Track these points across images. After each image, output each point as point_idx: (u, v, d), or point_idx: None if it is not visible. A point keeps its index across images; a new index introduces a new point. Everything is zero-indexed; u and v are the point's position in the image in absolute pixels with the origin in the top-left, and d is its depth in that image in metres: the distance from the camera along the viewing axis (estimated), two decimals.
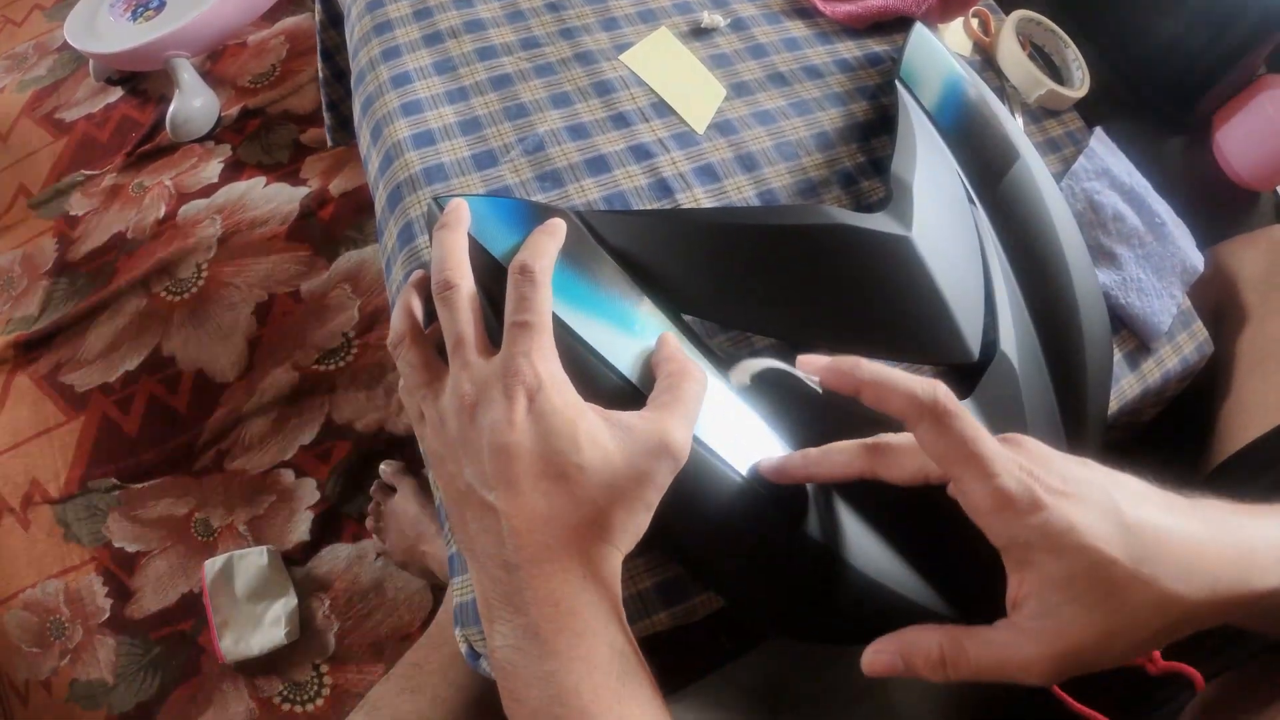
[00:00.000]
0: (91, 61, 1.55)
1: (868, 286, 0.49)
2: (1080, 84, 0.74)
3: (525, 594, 0.32)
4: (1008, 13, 0.79)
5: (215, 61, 1.54)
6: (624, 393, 0.39)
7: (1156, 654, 0.34)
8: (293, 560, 1.06)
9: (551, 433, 0.33)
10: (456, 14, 0.67)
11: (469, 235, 0.40)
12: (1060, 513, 0.30)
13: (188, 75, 1.40)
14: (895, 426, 0.36)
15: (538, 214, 0.43)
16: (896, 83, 0.63)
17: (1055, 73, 0.77)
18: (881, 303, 0.49)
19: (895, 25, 0.73)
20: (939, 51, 0.67)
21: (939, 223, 0.52)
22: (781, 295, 0.47)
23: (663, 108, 0.61)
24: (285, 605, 1.02)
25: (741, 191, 0.58)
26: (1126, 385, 0.59)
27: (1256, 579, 0.31)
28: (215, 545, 1.08)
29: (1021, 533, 0.30)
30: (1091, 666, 0.30)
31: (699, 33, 0.67)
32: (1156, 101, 0.96)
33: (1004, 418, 0.47)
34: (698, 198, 0.57)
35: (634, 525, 0.35)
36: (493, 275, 0.39)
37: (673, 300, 0.45)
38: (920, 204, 0.52)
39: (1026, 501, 0.30)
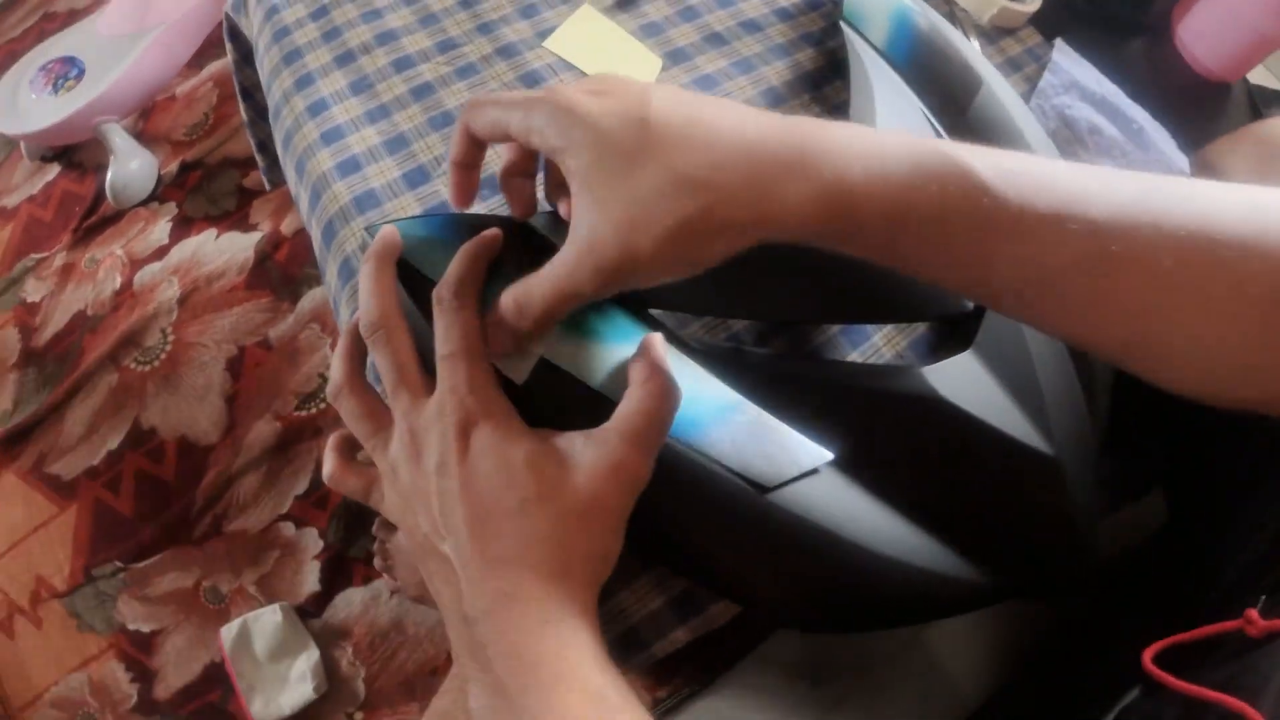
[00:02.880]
0: (23, 143, 1.51)
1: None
2: None
3: (488, 649, 0.29)
4: None
5: (147, 119, 1.50)
6: (591, 404, 0.36)
7: (1253, 613, 0.31)
8: (307, 613, 1.04)
9: (493, 470, 0.30)
10: (366, 28, 0.63)
11: (404, 262, 0.37)
12: (578, 106, 0.29)
13: (120, 139, 1.36)
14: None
15: (476, 226, 0.40)
16: (841, 24, 0.59)
17: None
18: (863, 265, 0.45)
19: None
20: None
21: None
22: (753, 271, 0.42)
23: None
24: (308, 659, 0.99)
25: None
26: None
27: (827, 173, 0.28)
28: (228, 610, 1.06)
29: (550, 134, 0.29)
30: (635, 271, 0.29)
31: (625, 3, 0.63)
32: (1111, 4, 0.92)
33: (1010, 363, 0.43)
34: None
35: (599, 553, 0.32)
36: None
37: (640, 296, 0.41)
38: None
39: (548, 96, 0.29)
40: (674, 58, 0.60)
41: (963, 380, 0.42)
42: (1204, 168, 0.68)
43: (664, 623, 0.43)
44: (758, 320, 0.46)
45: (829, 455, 0.38)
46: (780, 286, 0.43)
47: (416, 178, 0.54)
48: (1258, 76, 1.00)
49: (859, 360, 0.50)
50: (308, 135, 0.58)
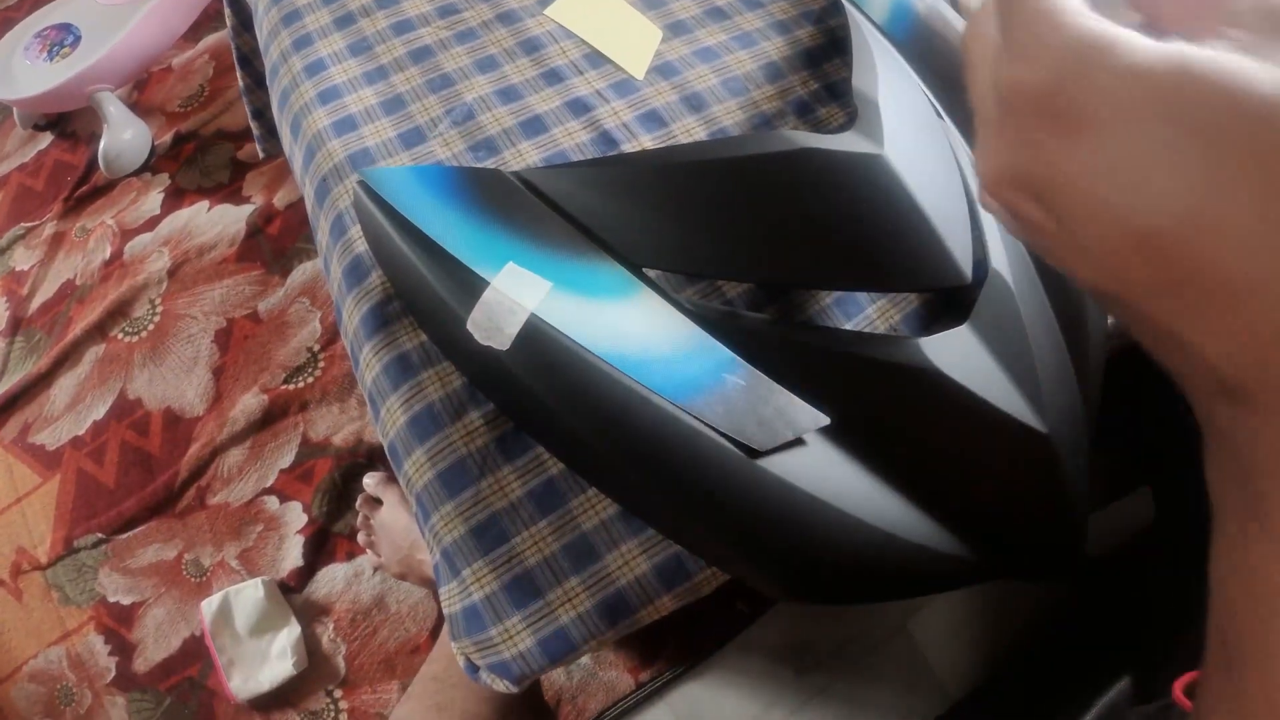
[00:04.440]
0: (15, 110, 1.49)
1: (844, 213, 0.44)
2: None
3: None
4: None
5: (142, 90, 1.48)
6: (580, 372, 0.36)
7: None
8: (289, 588, 1.03)
9: None
10: None
11: (394, 210, 0.37)
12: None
13: (114, 108, 1.35)
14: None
15: (472, 180, 0.39)
16: (844, 2, 0.59)
17: None
18: (860, 229, 0.43)
19: None
20: None
21: (911, 138, 0.47)
22: (750, 234, 0.42)
23: (596, 58, 0.57)
24: (289, 635, 0.99)
25: (691, 133, 0.54)
26: None
27: None
28: (209, 584, 1.05)
29: None
30: None
31: None
32: None
33: (1005, 338, 0.43)
34: (644, 146, 0.53)
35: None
36: (428, 250, 0.35)
37: (633, 255, 0.41)
38: (888, 120, 0.47)
39: None
40: (674, 29, 0.60)
41: (959, 353, 0.41)
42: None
43: (650, 589, 0.43)
44: (751, 280, 0.46)
45: (824, 419, 0.38)
46: (776, 247, 0.42)
47: (412, 138, 0.53)
48: None
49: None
50: (304, 94, 0.58)
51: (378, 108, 0.55)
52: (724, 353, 0.38)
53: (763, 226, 0.43)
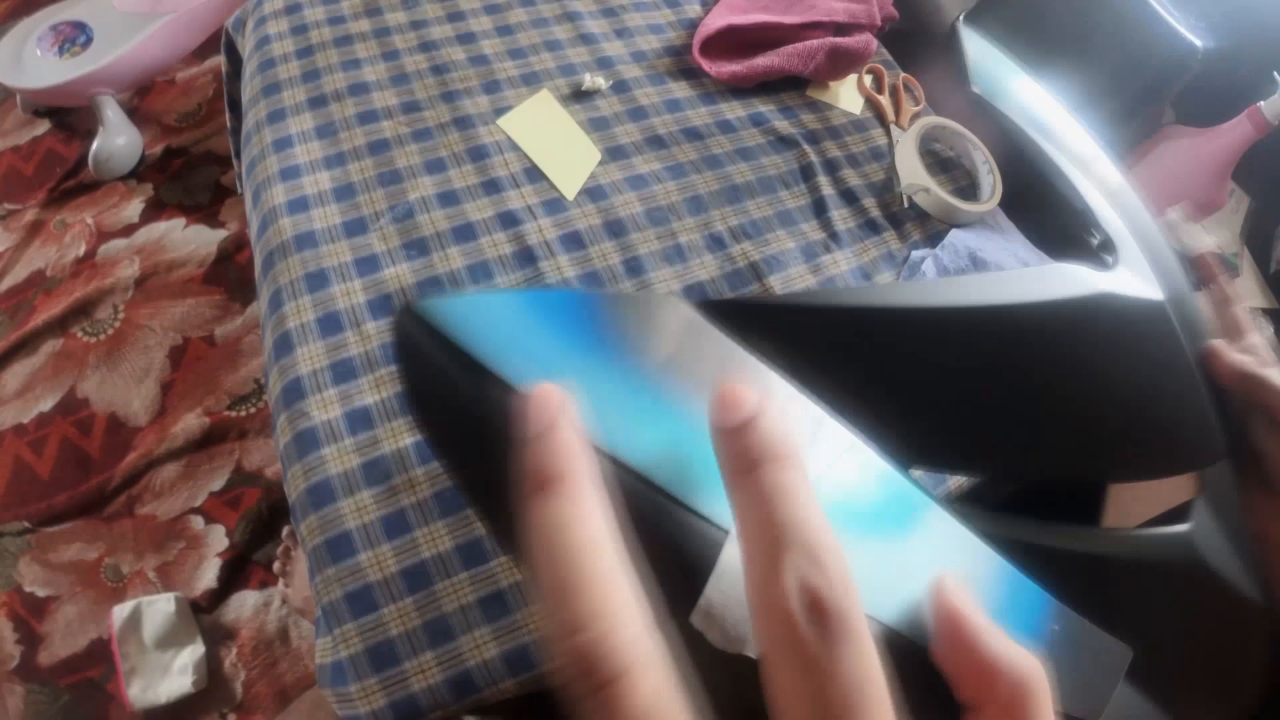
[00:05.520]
0: (19, 94, 1.53)
1: (1134, 380, 0.34)
2: (991, 194, 0.71)
3: None
4: (901, 68, 0.81)
5: (143, 97, 1.53)
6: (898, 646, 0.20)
7: None
8: (200, 608, 1.05)
9: None
10: (343, 76, 0.68)
11: (452, 344, 0.20)
12: None
13: (112, 113, 1.39)
14: None
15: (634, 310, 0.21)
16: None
17: (963, 177, 0.75)
18: (1146, 400, 0.34)
19: (781, 84, 0.76)
20: None
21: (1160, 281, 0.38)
22: (1036, 414, 0.31)
23: (536, 173, 0.63)
24: (193, 653, 1.01)
25: (606, 258, 0.60)
26: None
27: None
28: (125, 591, 1.07)
29: None
30: None
31: (580, 95, 0.69)
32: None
33: (1229, 508, 0.36)
34: (560, 265, 0.58)
35: None
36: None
37: (902, 451, 0.24)
38: (1143, 259, 0.38)
39: None
40: (613, 154, 0.66)
41: (1214, 541, 0.34)
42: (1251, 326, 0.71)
43: (496, 671, 0.47)
44: (1037, 478, 0.37)
45: (1128, 654, 0.28)
46: (1064, 433, 0.32)
47: (355, 228, 0.59)
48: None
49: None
50: (269, 168, 0.63)
51: (330, 193, 0.61)
52: (1035, 591, 0.26)
53: (1053, 403, 0.31)
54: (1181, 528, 0.32)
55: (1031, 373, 0.31)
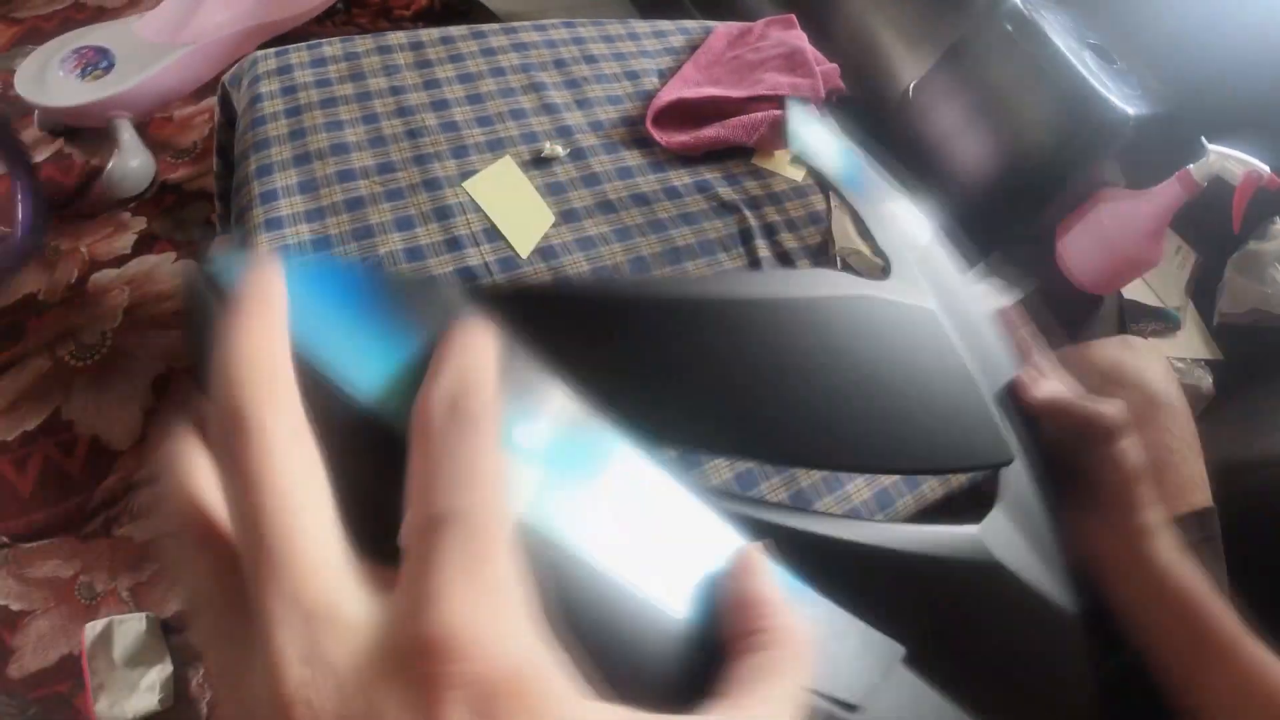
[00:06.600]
0: (38, 111, 1.59)
1: (900, 379, 0.36)
2: None
3: None
4: (850, 137, 0.88)
5: (143, 131, 1.60)
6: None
7: None
8: (171, 628, 1.09)
9: None
10: (326, 136, 0.75)
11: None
12: None
13: (128, 135, 1.47)
14: None
15: (412, 291, 0.21)
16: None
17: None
18: (916, 398, 0.36)
19: (729, 153, 0.83)
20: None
21: (942, 296, 0.41)
22: (788, 401, 0.32)
23: (494, 233, 0.70)
24: (161, 672, 1.04)
25: None
26: None
27: None
28: (97, 609, 1.10)
29: None
30: None
31: (539, 161, 0.76)
32: (998, 217, 1.06)
33: (1028, 516, 0.39)
34: None
35: None
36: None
37: (649, 429, 0.24)
38: (920, 273, 0.41)
39: None
40: (566, 216, 0.73)
41: (1004, 539, 0.36)
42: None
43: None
44: (776, 465, 0.42)
45: (900, 649, 0.29)
46: (822, 422, 0.33)
47: None
48: (1134, 291, 1.16)
49: (834, 506, 0.58)
50: (255, 218, 0.69)
51: (309, 244, 0.67)
52: (787, 579, 0.26)
53: (802, 392, 0.32)
54: (972, 528, 0.35)
55: (787, 361, 0.32)
